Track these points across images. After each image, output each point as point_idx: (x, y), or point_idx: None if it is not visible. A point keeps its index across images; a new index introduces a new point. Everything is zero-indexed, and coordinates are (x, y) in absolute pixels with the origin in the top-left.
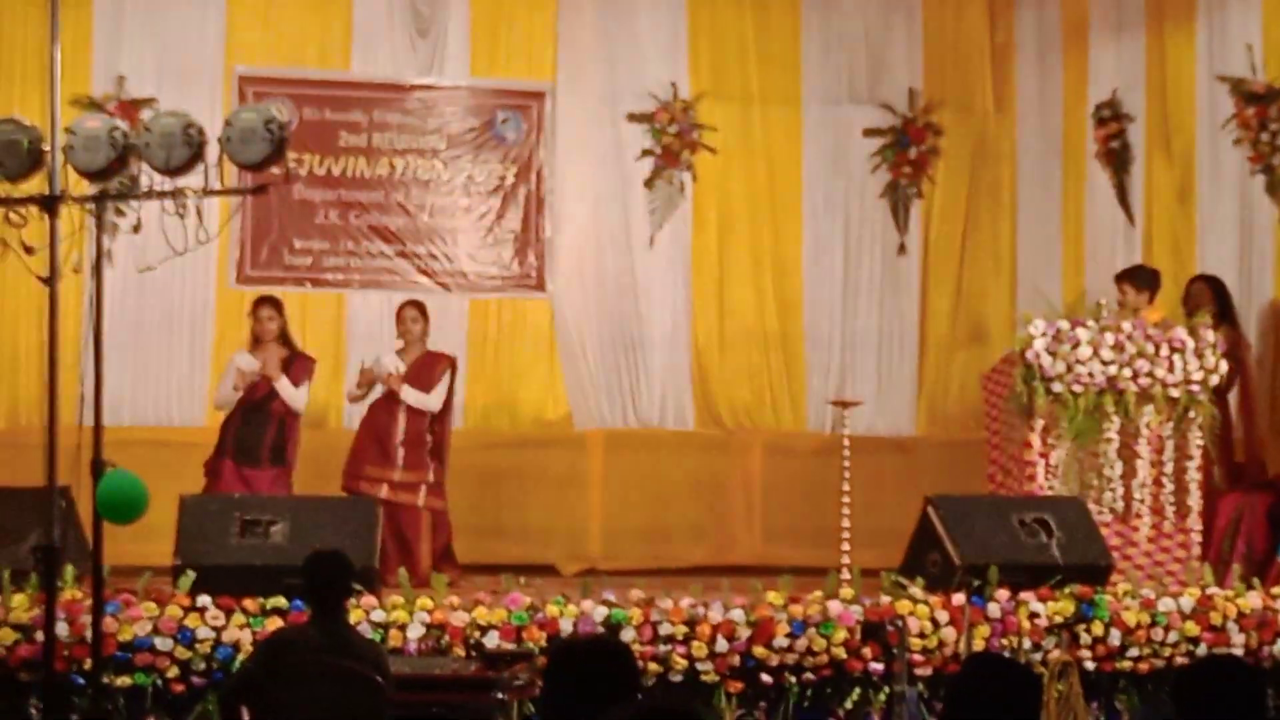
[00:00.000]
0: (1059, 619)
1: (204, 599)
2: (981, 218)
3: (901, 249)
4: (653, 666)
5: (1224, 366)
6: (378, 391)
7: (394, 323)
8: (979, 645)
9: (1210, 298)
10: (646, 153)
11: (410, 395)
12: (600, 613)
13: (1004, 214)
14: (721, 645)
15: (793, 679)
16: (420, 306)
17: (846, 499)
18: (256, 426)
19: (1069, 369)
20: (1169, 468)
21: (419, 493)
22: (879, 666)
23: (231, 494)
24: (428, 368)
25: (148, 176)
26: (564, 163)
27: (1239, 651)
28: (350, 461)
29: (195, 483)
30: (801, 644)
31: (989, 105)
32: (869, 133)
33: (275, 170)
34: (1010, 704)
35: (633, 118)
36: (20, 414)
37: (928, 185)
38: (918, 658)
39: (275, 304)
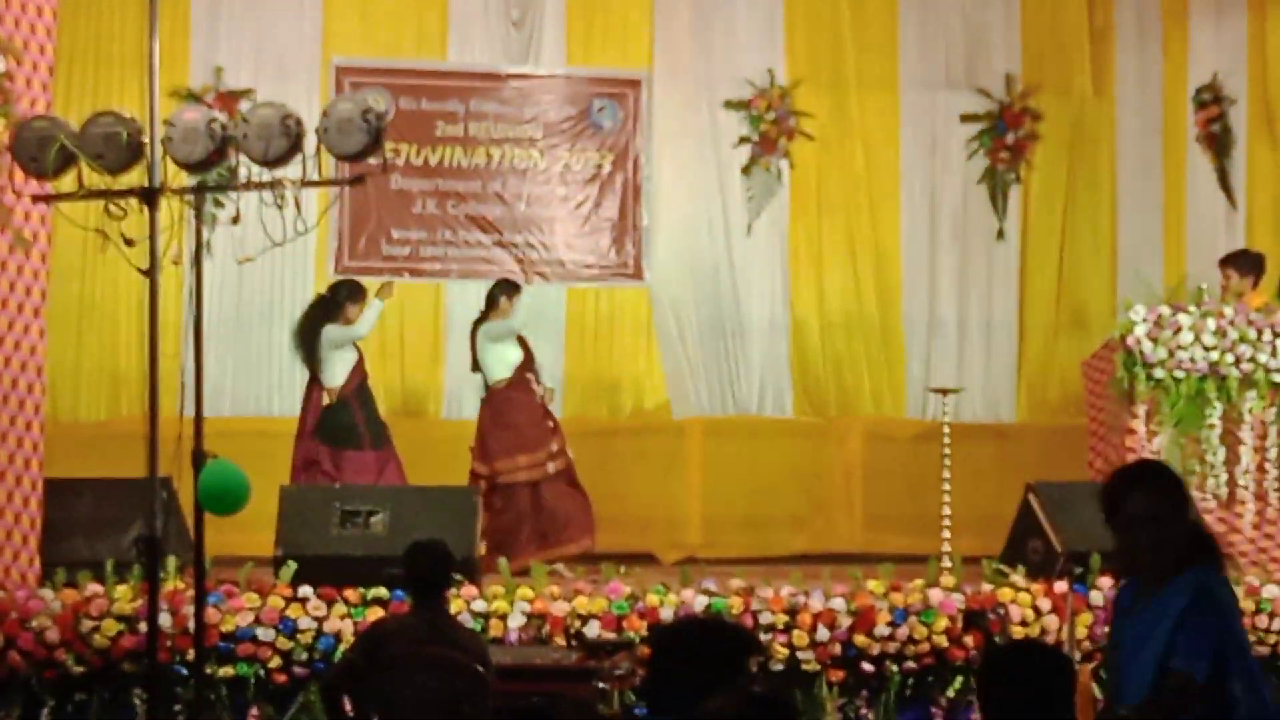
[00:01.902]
0: None
1: (305, 589)
2: (1081, 203)
3: (1000, 235)
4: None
5: None
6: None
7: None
8: (1081, 633)
9: None
10: (743, 140)
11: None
12: (700, 602)
13: (1104, 199)
14: (822, 634)
15: (894, 668)
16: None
17: (947, 486)
18: (358, 408)
19: (1170, 355)
20: (1273, 453)
21: (553, 461)
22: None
23: (332, 484)
24: None
25: (246, 168)
26: (660, 151)
27: None
28: (497, 453)
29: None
30: (903, 632)
31: (1088, 89)
32: (966, 118)
33: (373, 160)
34: (1043, 689)
35: (729, 105)
36: (122, 405)
37: (1026, 170)
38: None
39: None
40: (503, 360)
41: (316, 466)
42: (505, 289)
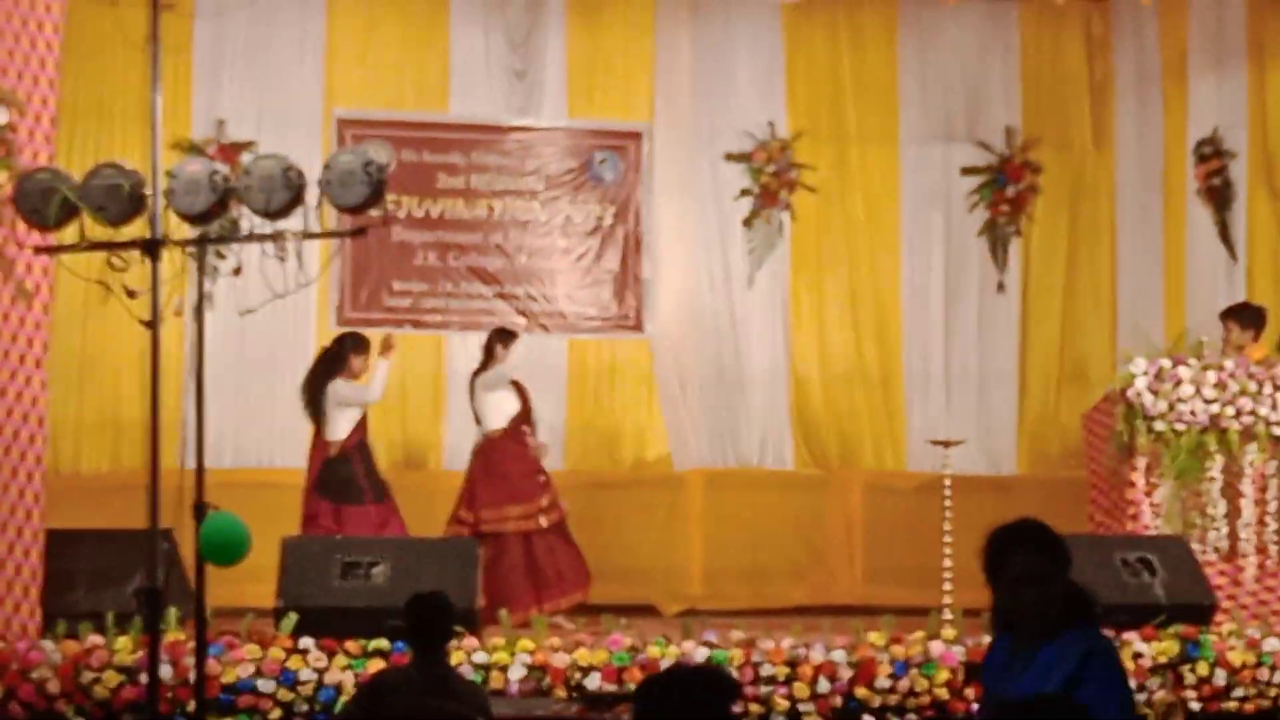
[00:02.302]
0: (1163, 659)
1: (306, 641)
2: (1081, 255)
3: (1000, 287)
4: (754, 708)
5: None
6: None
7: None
8: None
9: None
10: (744, 192)
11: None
12: (701, 653)
13: (1104, 252)
14: (823, 686)
15: None
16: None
17: (948, 538)
18: (360, 462)
19: (1171, 407)
20: (1273, 506)
21: (545, 515)
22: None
23: (333, 535)
24: None
25: (248, 220)
26: (662, 203)
27: None
28: (486, 502)
29: (296, 523)
30: (904, 685)
31: (1088, 142)
32: (967, 171)
33: (374, 212)
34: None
35: (730, 157)
36: (123, 456)
37: (1026, 223)
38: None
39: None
40: (499, 410)
41: (317, 521)
42: (500, 337)
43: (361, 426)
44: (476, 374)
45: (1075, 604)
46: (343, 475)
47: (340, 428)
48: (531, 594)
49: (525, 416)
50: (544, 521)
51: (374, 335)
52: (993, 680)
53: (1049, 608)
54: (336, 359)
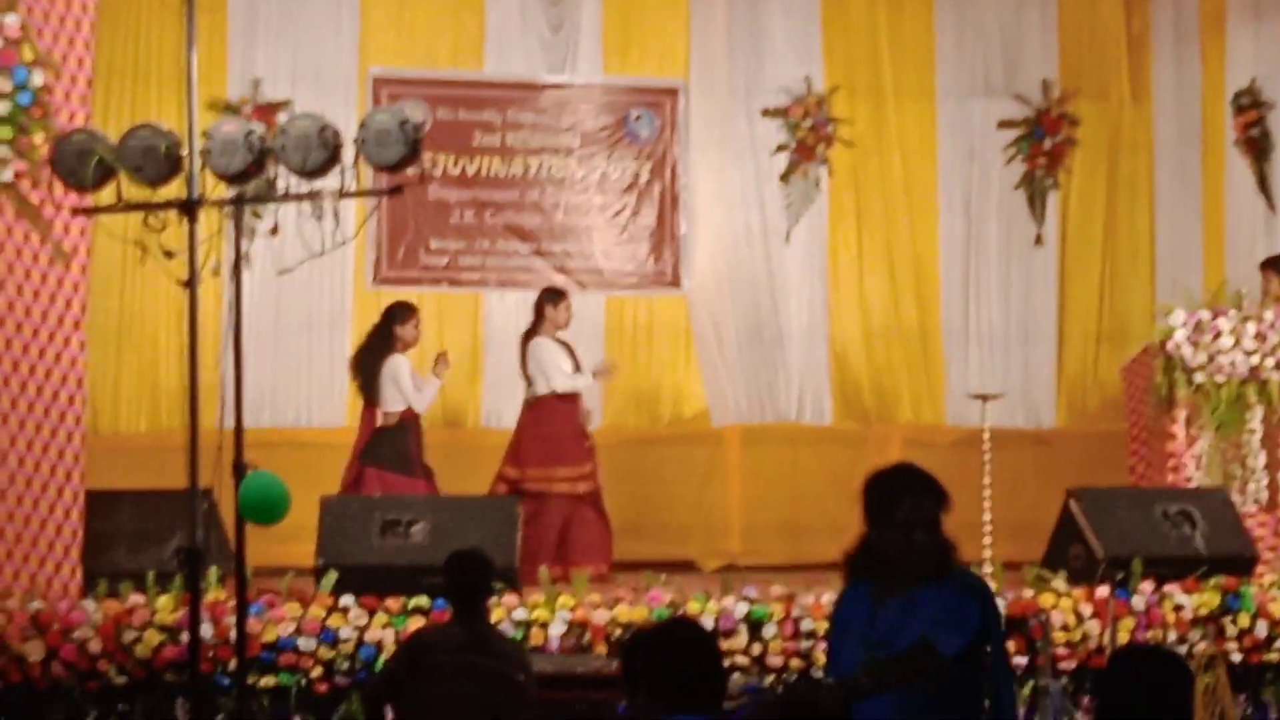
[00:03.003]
0: (1204, 611)
1: (347, 599)
2: (1119, 208)
3: (1038, 240)
4: (795, 663)
5: None
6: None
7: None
8: (1123, 638)
9: None
10: (781, 148)
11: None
12: (741, 609)
13: (1142, 204)
14: None
15: None
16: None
17: (987, 492)
18: (414, 433)
19: (1210, 359)
20: None
21: (585, 482)
22: (1023, 660)
23: (372, 494)
24: None
25: (284, 179)
26: (698, 159)
27: None
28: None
29: (334, 482)
30: None
31: (1125, 95)
32: (1004, 124)
33: (410, 171)
34: (1161, 694)
35: (767, 113)
36: (162, 417)
37: (1064, 176)
38: (1061, 651)
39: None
40: (561, 370)
41: (360, 487)
42: (549, 297)
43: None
44: (528, 335)
45: (950, 550)
46: (397, 445)
47: (395, 400)
48: (556, 559)
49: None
50: (583, 489)
51: (413, 298)
52: (858, 629)
53: (933, 554)
54: (387, 334)
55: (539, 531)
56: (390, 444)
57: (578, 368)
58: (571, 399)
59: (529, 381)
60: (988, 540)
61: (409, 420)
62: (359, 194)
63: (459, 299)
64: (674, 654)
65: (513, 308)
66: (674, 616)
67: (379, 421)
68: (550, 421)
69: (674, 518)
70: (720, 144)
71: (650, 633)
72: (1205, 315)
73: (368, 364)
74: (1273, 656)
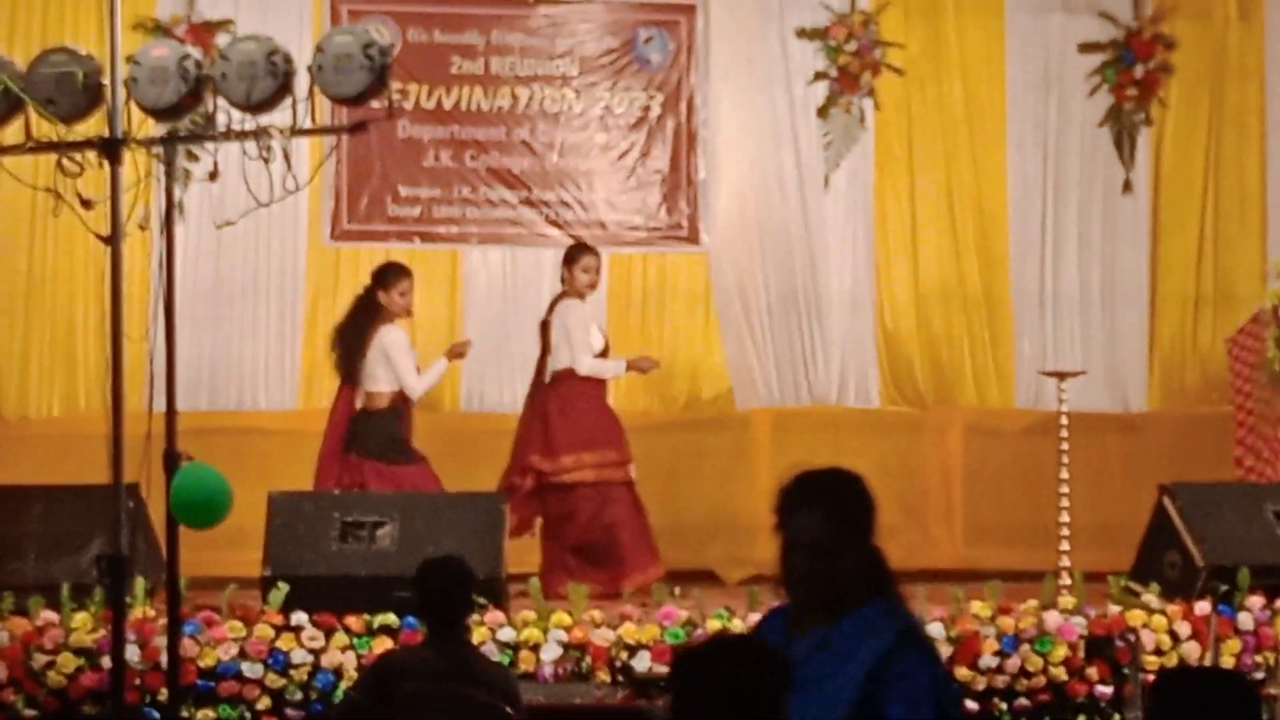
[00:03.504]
0: None
1: (299, 616)
2: (1224, 148)
3: (1127, 187)
4: None
5: None
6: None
7: (568, 275)
8: (1228, 662)
9: None
10: (819, 75)
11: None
12: None
13: (1250, 142)
14: None
15: (1003, 706)
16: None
17: (1065, 489)
18: (406, 417)
19: None
20: None
21: (618, 469)
22: (1107, 690)
23: (329, 491)
24: None
25: (225, 114)
26: (720, 90)
27: None
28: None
29: (286, 477)
30: (1013, 664)
31: (1232, 11)
32: (1086, 48)
33: (376, 104)
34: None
35: (802, 34)
36: (79, 399)
37: (1158, 110)
38: (1154, 679)
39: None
40: (590, 346)
41: (350, 484)
42: (569, 255)
43: None
44: (560, 298)
45: (874, 576)
46: (391, 432)
47: (384, 379)
48: (601, 564)
49: (604, 354)
50: (618, 476)
51: (377, 256)
52: None
53: (826, 584)
54: (371, 302)
55: (577, 531)
56: (381, 430)
57: (606, 346)
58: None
59: (548, 350)
60: (1065, 546)
61: (401, 403)
62: (314, 131)
63: (434, 257)
64: (745, 677)
65: (498, 268)
66: (740, 634)
67: (359, 404)
68: (580, 398)
69: (691, 519)
70: (746, 71)
71: (717, 648)
72: None
73: (349, 336)
74: None
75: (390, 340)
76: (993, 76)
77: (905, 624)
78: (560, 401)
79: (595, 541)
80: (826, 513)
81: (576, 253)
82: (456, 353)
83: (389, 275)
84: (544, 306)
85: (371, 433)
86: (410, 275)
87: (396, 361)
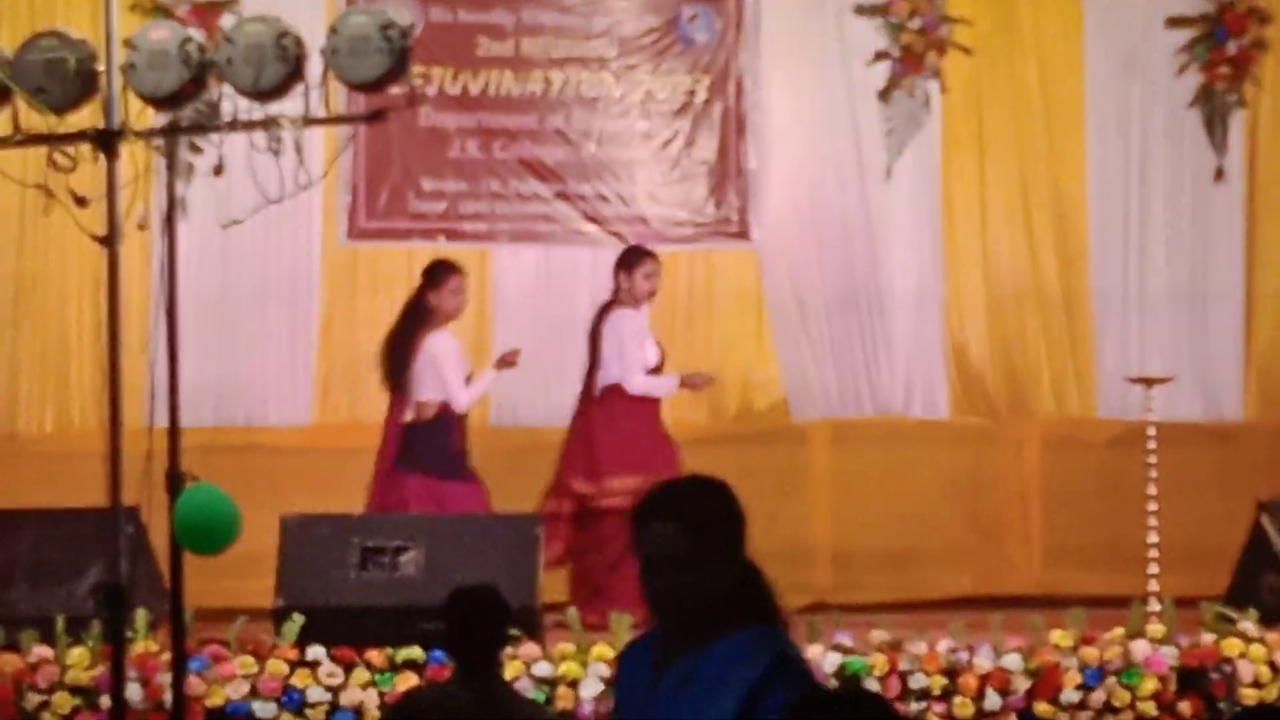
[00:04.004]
0: None
1: (316, 650)
2: None
3: (1219, 174)
4: None
5: None
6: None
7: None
8: None
9: None
10: (880, 55)
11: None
12: (833, 661)
13: None
14: (993, 701)
15: None
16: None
17: (1153, 506)
18: (459, 430)
19: None
20: None
21: None
22: None
23: (348, 515)
24: None
25: (231, 102)
26: (771, 71)
27: None
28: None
29: (299, 498)
30: (1098, 698)
31: None
32: (1173, 22)
33: (396, 90)
34: None
35: (861, 10)
36: (74, 415)
37: (1252, 90)
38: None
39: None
40: (642, 361)
41: (406, 504)
42: (624, 260)
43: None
44: (608, 307)
45: (749, 597)
46: (436, 443)
47: (429, 388)
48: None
49: (659, 370)
50: None
51: (399, 256)
52: (629, 690)
53: (687, 603)
54: (420, 304)
55: (613, 560)
56: (428, 442)
57: (662, 360)
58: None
59: (596, 363)
60: (1154, 569)
61: (451, 415)
62: (329, 121)
63: (460, 257)
64: None
65: (530, 268)
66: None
67: (409, 416)
68: (629, 416)
69: None
70: (800, 51)
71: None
72: None
73: (397, 343)
74: None
75: (439, 348)
76: (1070, 54)
77: (780, 651)
78: (608, 420)
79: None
80: (684, 525)
81: (636, 257)
82: (506, 362)
83: (438, 273)
84: (579, 310)
85: (418, 445)
86: (462, 273)
87: (444, 370)
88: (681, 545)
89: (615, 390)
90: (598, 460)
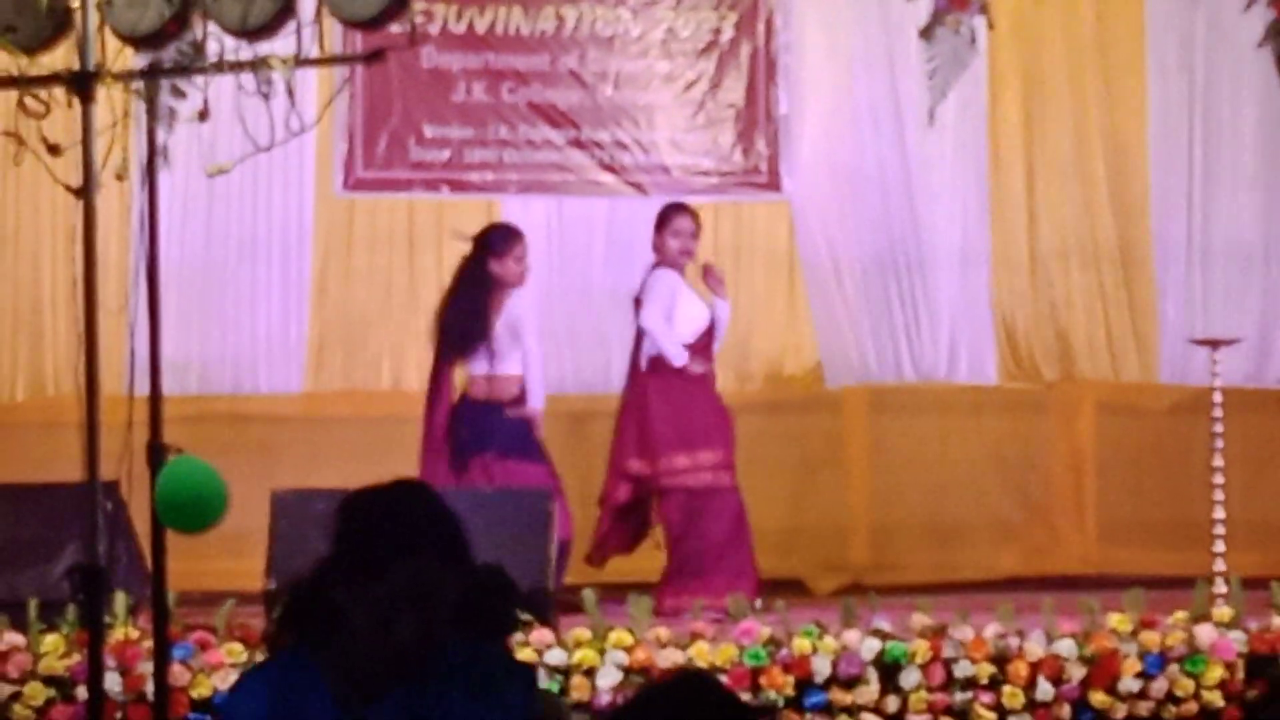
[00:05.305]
0: None
1: None
2: None
3: None
4: None
5: None
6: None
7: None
8: None
9: None
10: None
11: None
12: (870, 647)
13: None
14: (1044, 691)
15: None
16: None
17: (1219, 478)
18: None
19: None
20: None
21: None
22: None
23: (344, 489)
24: None
25: (217, 42)
26: (804, 7)
27: None
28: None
29: (291, 472)
30: (1159, 686)
31: None
32: None
33: (396, 28)
34: None
35: None
36: (47, 382)
37: None
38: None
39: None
40: (664, 314)
41: (461, 482)
42: (663, 216)
43: None
44: (653, 268)
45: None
46: (510, 421)
47: (511, 360)
48: (692, 576)
49: (711, 334)
50: (727, 480)
51: (399, 207)
52: None
53: (429, 638)
54: (486, 275)
55: (684, 536)
56: (509, 421)
57: (713, 325)
58: (703, 361)
59: (640, 333)
60: (1219, 547)
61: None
62: (322, 62)
63: (465, 209)
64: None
65: (541, 221)
66: (687, 669)
67: (480, 392)
68: (675, 388)
69: (773, 518)
70: None
71: (666, 689)
72: None
73: (466, 313)
74: None
75: (520, 312)
76: None
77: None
78: (663, 392)
79: (688, 554)
80: (446, 548)
81: (665, 214)
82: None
83: (501, 241)
84: (594, 267)
85: (499, 424)
86: (523, 238)
87: (524, 336)
88: (438, 576)
89: (660, 361)
90: (653, 438)
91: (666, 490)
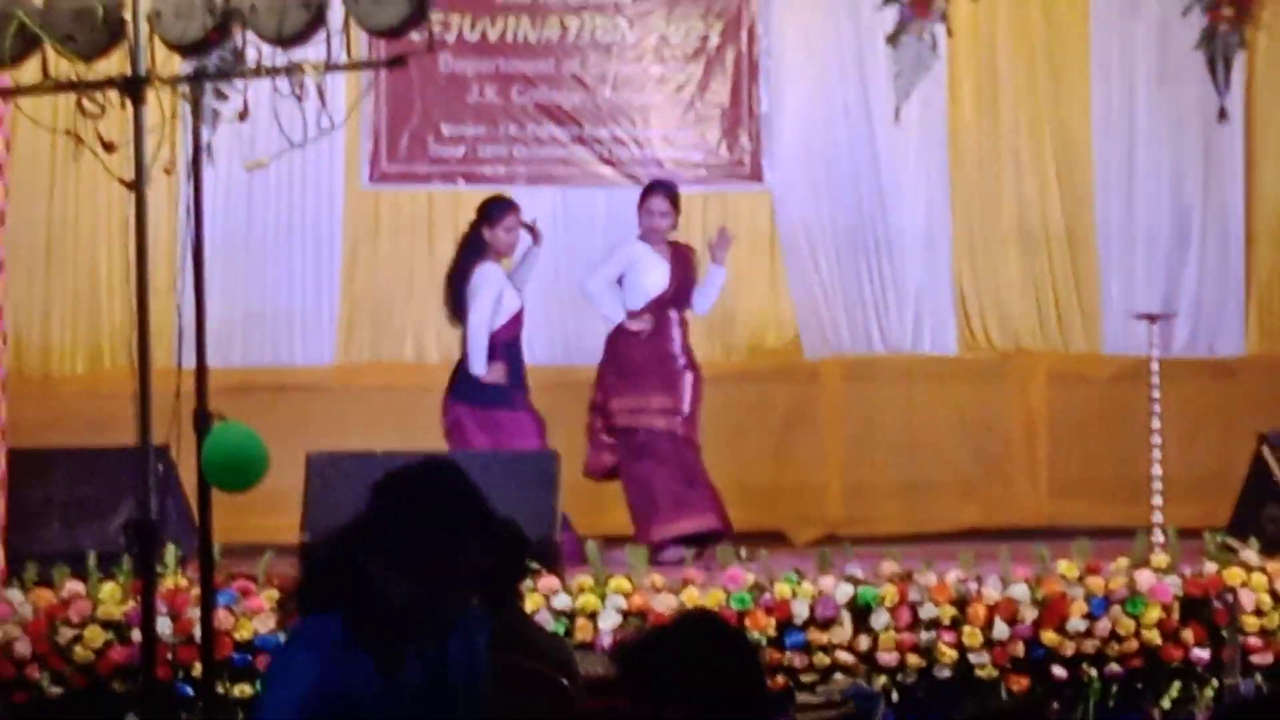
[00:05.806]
0: None
1: None
2: None
3: (1222, 115)
4: (913, 660)
5: None
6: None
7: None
8: None
9: None
10: (889, 0)
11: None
12: (844, 591)
13: None
14: (1000, 631)
15: (1093, 672)
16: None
17: (1157, 439)
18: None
19: None
20: None
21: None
22: (1204, 654)
23: (371, 452)
24: None
25: (255, 49)
26: (783, 17)
27: None
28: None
29: (324, 436)
30: (1103, 627)
31: None
32: None
33: (416, 36)
34: None
35: None
36: (104, 356)
37: (1253, 32)
38: (1254, 642)
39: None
40: (606, 276)
41: (460, 432)
42: (642, 195)
43: (517, 322)
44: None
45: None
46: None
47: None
48: (669, 512)
49: (667, 300)
50: (680, 428)
51: (420, 199)
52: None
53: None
54: (479, 242)
55: (661, 484)
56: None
57: (674, 288)
58: (659, 322)
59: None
60: (1158, 500)
61: (500, 345)
62: (350, 67)
63: (478, 199)
64: (712, 654)
65: (547, 210)
66: (694, 610)
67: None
68: (633, 345)
69: (756, 476)
70: None
71: (675, 629)
72: None
73: (454, 278)
74: None
75: (481, 278)
76: None
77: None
78: (613, 345)
79: (640, 493)
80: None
81: (643, 192)
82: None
83: (495, 211)
84: (596, 250)
85: (469, 377)
86: (517, 210)
87: (475, 298)
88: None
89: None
90: (602, 383)
91: (620, 430)
